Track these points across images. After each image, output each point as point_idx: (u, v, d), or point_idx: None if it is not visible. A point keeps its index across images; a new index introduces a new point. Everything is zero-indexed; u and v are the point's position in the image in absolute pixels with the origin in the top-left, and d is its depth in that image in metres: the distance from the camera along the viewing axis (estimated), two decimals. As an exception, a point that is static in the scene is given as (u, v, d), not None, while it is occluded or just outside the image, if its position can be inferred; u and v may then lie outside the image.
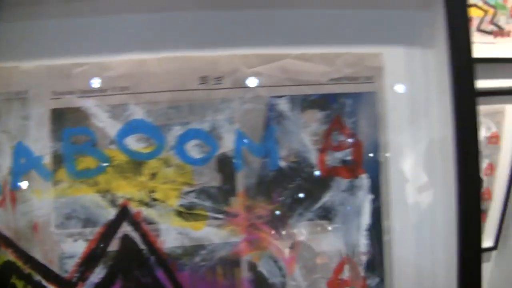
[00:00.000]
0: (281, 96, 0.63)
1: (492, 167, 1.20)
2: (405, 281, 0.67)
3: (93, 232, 0.62)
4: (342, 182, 0.65)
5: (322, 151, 0.64)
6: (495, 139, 1.18)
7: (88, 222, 0.62)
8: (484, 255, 1.28)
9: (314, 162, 0.64)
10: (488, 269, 1.33)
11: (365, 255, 0.66)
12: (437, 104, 0.64)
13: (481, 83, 1.12)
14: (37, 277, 0.62)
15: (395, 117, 0.65)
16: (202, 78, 0.62)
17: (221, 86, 0.62)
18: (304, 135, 0.64)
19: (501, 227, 1.27)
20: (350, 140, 0.65)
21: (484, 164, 1.19)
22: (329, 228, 0.65)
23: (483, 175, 1.19)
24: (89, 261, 0.62)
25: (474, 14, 1.09)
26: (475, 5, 1.08)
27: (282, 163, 0.64)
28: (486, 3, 1.08)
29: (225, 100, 0.62)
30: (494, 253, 1.32)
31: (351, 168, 0.65)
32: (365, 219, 0.66)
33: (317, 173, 0.64)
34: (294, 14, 0.63)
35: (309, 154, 0.64)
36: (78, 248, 0.62)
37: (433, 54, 0.64)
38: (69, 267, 0.62)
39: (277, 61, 0.63)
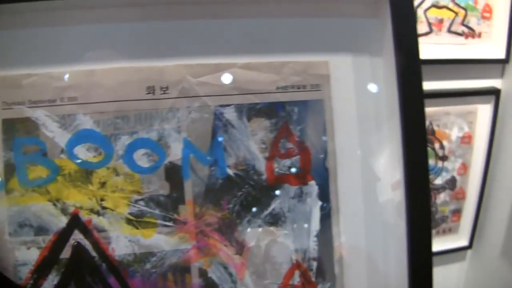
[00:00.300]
0: (228, 105, 0.64)
1: (465, 167, 1.21)
2: (355, 284, 0.67)
3: (45, 240, 0.63)
4: (290, 189, 0.66)
5: (270, 159, 0.65)
6: (467, 139, 1.18)
7: (40, 230, 0.63)
8: (459, 255, 1.29)
9: (262, 170, 0.65)
10: (463, 268, 1.33)
11: (315, 260, 0.66)
12: (386, 109, 0.64)
13: (453, 84, 1.13)
14: (-8, 285, 0.62)
15: (343, 124, 0.65)
16: (149, 88, 0.63)
17: (167, 96, 0.63)
18: (251, 143, 0.64)
19: (475, 226, 1.27)
20: (297, 148, 0.65)
21: (457, 164, 1.20)
22: (279, 234, 0.65)
23: (456, 175, 1.20)
24: (42, 269, 0.63)
25: (445, 15, 1.09)
26: (445, 7, 1.09)
27: (230, 171, 0.65)
28: (457, 4, 1.07)
29: (172, 110, 0.63)
30: (469, 252, 1.32)
31: (299, 175, 0.66)
32: (315, 225, 0.66)
33: (265, 180, 0.65)
34: (242, 24, 0.64)
35: (257, 162, 0.65)
36: (32, 255, 0.64)
37: (381, 61, 0.65)
38: (23, 275, 0.63)
39: (224, 71, 0.64)
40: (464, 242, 1.29)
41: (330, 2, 0.65)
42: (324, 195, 0.66)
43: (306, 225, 0.66)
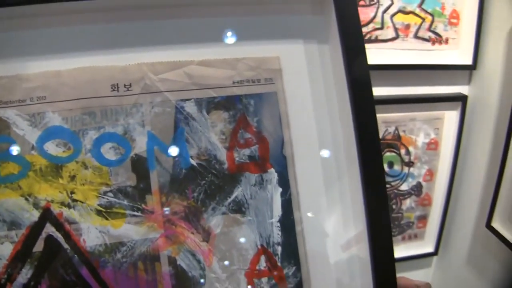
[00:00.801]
0: (188, 99, 0.68)
1: (431, 173, 1.23)
2: (321, 267, 0.70)
3: (18, 234, 0.66)
4: (251, 177, 0.69)
5: (230, 148, 0.69)
6: (434, 145, 1.20)
7: (13, 224, 0.66)
8: (425, 261, 1.31)
9: (223, 159, 0.69)
10: (429, 274, 1.35)
11: (279, 245, 0.69)
12: (336, 95, 0.69)
13: (419, 90, 1.16)
14: (-33, 280, 0.64)
15: (298, 113, 0.69)
16: (113, 86, 0.67)
17: (131, 92, 0.67)
18: (212, 135, 0.68)
19: (441, 232, 1.29)
20: (255, 138, 0.69)
21: (423, 170, 1.22)
22: (243, 221, 0.69)
23: (422, 181, 1.22)
24: (16, 262, 0.66)
25: (411, 21, 1.12)
26: (412, 12, 1.12)
27: (193, 161, 0.68)
28: (424, 10, 1.11)
29: (136, 105, 0.67)
30: (435, 258, 1.34)
31: (259, 164, 0.69)
32: (277, 210, 0.69)
33: (227, 169, 0.68)
34: (199, 23, 0.68)
35: (218, 152, 0.68)
36: (5, 250, 0.66)
37: (329, 52, 0.69)
38: (-2, 269, 0.64)
39: (182, 68, 0.68)
40: (429, 249, 1.31)
41: (280, 2, 0.70)
42: (284, 181, 0.70)
43: (268, 211, 0.69)
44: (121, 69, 0.67)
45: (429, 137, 1.19)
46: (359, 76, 0.66)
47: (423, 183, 1.23)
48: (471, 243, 1.22)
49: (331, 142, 0.70)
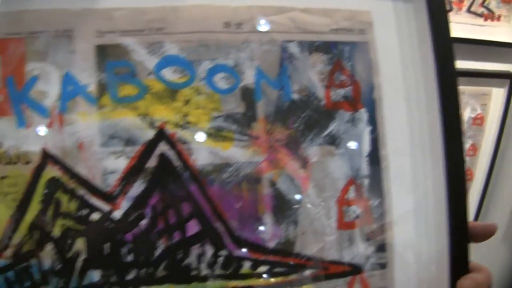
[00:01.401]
0: (291, 41, 0.75)
1: (475, 148, 1.23)
2: (402, 200, 0.77)
3: (133, 151, 0.70)
4: (345, 115, 0.76)
5: (327, 87, 0.76)
6: (479, 121, 1.23)
7: (129, 141, 0.70)
8: None
9: (321, 96, 0.76)
10: None
11: (366, 178, 0.76)
12: (419, 52, 0.78)
13: (468, 64, 1.17)
14: (81, 191, 0.69)
15: (386, 62, 0.78)
16: (226, 24, 0.74)
17: (241, 30, 0.74)
18: (312, 74, 0.75)
19: (480, 208, 1.30)
20: (349, 80, 0.77)
21: (467, 145, 1.21)
22: (336, 153, 0.75)
23: (465, 156, 1.27)
24: (129, 176, 0.70)
25: None
26: None
27: (295, 96, 0.75)
28: None
29: (246, 42, 0.74)
30: None
31: (351, 103, 0.77)
32: (365, 146, 0.76)
33: (324, 105, 0.75)
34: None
35: (317, 89, 0.75)
36: (120, 164, 0.70)
37: (414, 12, 0.79)
38: (111, 182, 0.70)
39: (287, 13, 0.76)
40: (467, 223, 1.33)
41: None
42: (372, 122, 0.77)
43: (358, 146, 0.76)
44: (233, 9, 0.74)
45: (476, 112, 1.22)
46: (440, 35, 0.75)
47: (466, 158, 1.24)
48: (509, 220, 1.23)
49: (414, 90, 0.78)
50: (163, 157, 0.71)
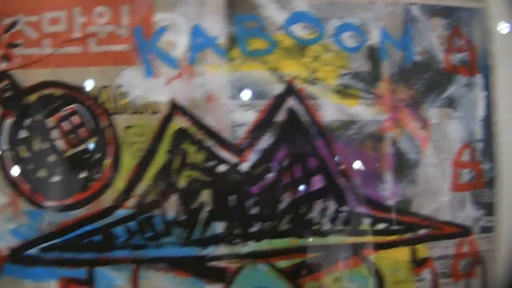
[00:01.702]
0: (414, 4, 0.76)
1: None
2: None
3: (262, 104, 0.71)
4: (462, 79, 0.77)
5: (447, 51, 0.77)
6: None
7: (258, 95, 0.71)
8: None
9: (441, 59, 0.76)
10: None
11: (481, 142, 0.77)
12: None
13: None
14: (209, 143, 0.70)
15: (500, 29, 0.79)
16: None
17: (367, -9, 0.74)
18: (432, 37, 0.76)
19: None
20: (467, 45, 0.78)
21: None
22: (453, 115, 0.76)
23: None
24: (258, 129, 0.71)
25: None
26: None
27: (417, 58, 0.76)
28: None
29: (371, 3, 0.74)
30: None
31: (469, 68, 0.78)
32: (480, 111, 0.78)
33: (444, 68, 0.76)
34: None
35: (437, 52, 0.76)
36: (248, 117, 0.71)
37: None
38: (240, 134, 0.70)
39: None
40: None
41: None
42: (487, 87, 0.78)
43: (474, 111, 0.77)
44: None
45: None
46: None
47: None
48: None
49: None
50: (291, 111, 0.71)
